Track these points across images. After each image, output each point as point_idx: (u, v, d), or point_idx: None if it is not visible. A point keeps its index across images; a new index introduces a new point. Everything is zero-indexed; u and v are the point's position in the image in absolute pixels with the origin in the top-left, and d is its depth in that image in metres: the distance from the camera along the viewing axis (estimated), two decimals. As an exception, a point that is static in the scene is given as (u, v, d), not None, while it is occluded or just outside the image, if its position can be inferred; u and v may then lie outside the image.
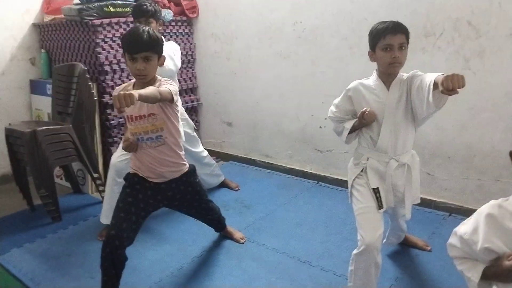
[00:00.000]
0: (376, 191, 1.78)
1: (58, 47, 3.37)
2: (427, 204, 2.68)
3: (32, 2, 3.46)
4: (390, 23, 1.70)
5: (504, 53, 2.33)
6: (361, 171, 1.84)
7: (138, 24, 2.48)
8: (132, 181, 1.95)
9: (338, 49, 2.95)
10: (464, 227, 1.18)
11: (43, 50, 3.48)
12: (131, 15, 3.10)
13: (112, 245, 1.79)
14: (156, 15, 2.54)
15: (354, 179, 1.87)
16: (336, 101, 1.90)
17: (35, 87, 3.51)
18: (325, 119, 3.08)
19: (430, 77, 1.54)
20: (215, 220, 2.35)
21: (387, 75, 1.76)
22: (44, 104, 3.39)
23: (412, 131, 1.82)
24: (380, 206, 1.77)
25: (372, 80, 1.81)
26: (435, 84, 1.47)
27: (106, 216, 2.45)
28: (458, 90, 1.33)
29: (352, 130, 1.85)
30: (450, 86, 1.33)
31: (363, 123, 1.78)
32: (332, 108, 1.91)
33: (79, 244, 2.46)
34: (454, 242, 1.22)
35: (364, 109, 1.75)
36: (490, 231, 1.09)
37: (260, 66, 3.38)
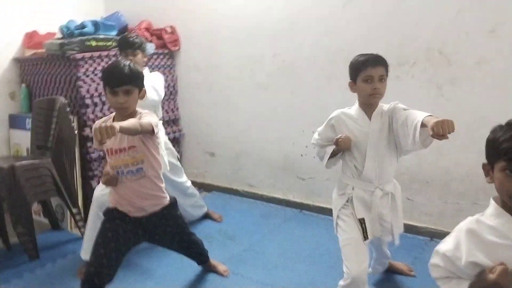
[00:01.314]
0: (361, 221, 1.79)
1: (39, 81, 3.36)
2: (408, 229, 2.68)
3: (13, 37, 3.46)
4: (371, 55, 1.77)
5: (474, 80, 2.43)
6: (347, 201, 1.86)
7: (120, 57, 2.53)
8: (112, 215, 1.92)
9: (316, 80, 3.02)
10: (445, 245, 1.19)
11: (23, 85, 3.47)
12: (115, 48, 3.15)
13: (91, 283, 1.75)
14: (142, 47, 2.60)
15: (339, 209, 1.87)
16: (320, 129, 1.95)
17: (14, 122, 3.46)
18: (306, 147, 3.13)
19: (416, 116, 1.58)
20: (198, 254, 2.31)
21: (368, 105, 1.81)
22: (23, 139, 3.34)
23: (395, 160, 1.87)
24: (365, 237, 1.78)
25: (354, 109, 1.86)
26: (423, 124, 1.52)
27: (87, 252, 2.38)
28: (448, 135, 1.37)
29: (333, 154, 1.88)
30: (440, 131, 1.37)
31: (339, 148, 1.82)
32: (315, 135, 1.96)
33: (57, 283, 2.38)
34: (437, 261, 1.23)
35: (339, 135, 1.80)
36: (472, 246, 1.12)
37: (241, 96, 3.43)
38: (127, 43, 2.56)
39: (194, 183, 3.17)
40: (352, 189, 1.84)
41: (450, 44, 2.48)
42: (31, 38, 3.48)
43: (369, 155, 1.80)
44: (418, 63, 2.60)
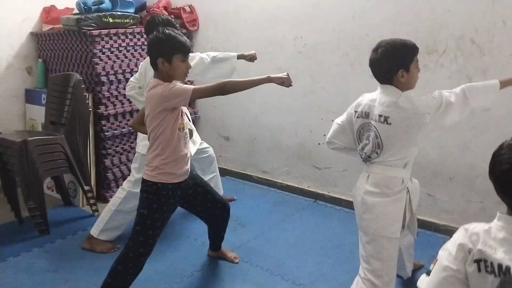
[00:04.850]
0: None
1: (55, 57, 3.33)
2: (427, 226, 2.60)
3: (31, 11, 3.43)
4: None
5: (507, 71, 2.26)
6: None
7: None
8: (163, 195, 1.86)
9: (338, 65, 2.90)
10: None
11: (40, 60, 3.44)
12: (132, 26, 3.13)
13: (139, 269, 1.90)
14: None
15: None
16: None
17: (30, 97, 3.45)
18: (324, 135, 3.01)
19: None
20: (223, 225, 2.22)
21: None
22: (38, 114, 3.33)
23: None
24: None
25: None
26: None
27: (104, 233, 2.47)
28: None
29: None
30: None
31: None
32: None
33: (65, 259, 2.37)
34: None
35: None
36: None
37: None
38: (170, 23, 2.37)
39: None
40: None
41: (484, 33, 2.32)
42: (49, 13, 3.44)
43: None
44: (448, 51, 2.45)
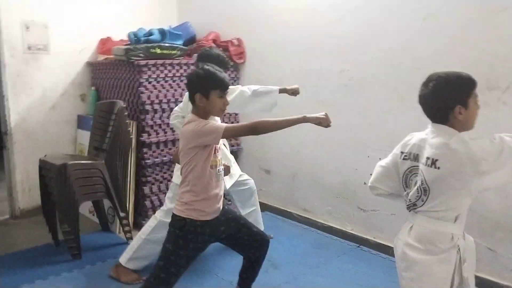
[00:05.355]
0: None
1: (107, 85, 3.46)
2: (486, 286, 2.24)
3: (88, 42, 3.63)
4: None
5: None
6: None
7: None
8: (195, 232, 1.79)
9: (387, 100, 2.71)
10: None
11: (93, 87, 3.60)
12: (179, 57, 3.20)
13: None
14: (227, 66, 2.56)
15: None
16: None
17: (81, 122, 3.60)
18: (370, 174, 2.80)
19: None
20: (260, 260, 2.04)
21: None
22: (87, 139, 3.43)
23: None
24: None
25: None
26: None
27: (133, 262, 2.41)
28: None
29: None
30: None
31: None
32: None
33: (90, 286, 2.32)
34: None
35: None
36: None
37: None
38: (223, 60, 2.45)
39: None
40: None
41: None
42: (104, 44, 3.61)
43: None
44: (512, 87, 2.19)
